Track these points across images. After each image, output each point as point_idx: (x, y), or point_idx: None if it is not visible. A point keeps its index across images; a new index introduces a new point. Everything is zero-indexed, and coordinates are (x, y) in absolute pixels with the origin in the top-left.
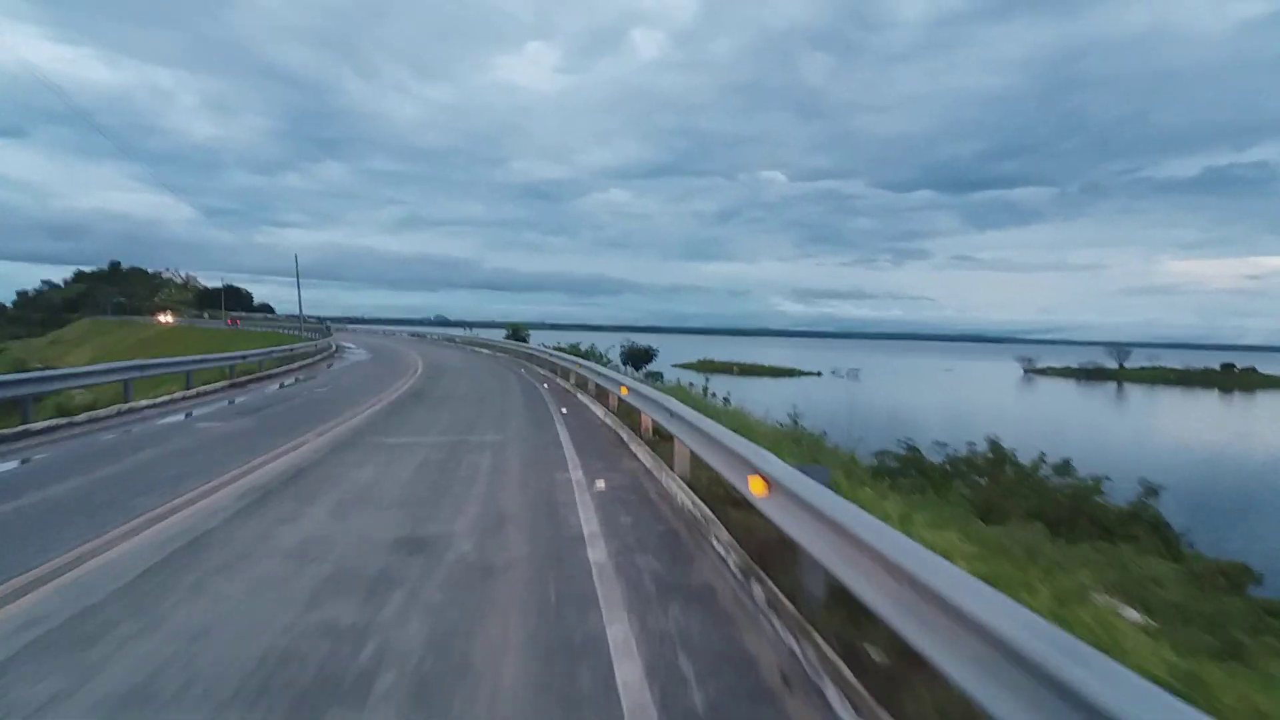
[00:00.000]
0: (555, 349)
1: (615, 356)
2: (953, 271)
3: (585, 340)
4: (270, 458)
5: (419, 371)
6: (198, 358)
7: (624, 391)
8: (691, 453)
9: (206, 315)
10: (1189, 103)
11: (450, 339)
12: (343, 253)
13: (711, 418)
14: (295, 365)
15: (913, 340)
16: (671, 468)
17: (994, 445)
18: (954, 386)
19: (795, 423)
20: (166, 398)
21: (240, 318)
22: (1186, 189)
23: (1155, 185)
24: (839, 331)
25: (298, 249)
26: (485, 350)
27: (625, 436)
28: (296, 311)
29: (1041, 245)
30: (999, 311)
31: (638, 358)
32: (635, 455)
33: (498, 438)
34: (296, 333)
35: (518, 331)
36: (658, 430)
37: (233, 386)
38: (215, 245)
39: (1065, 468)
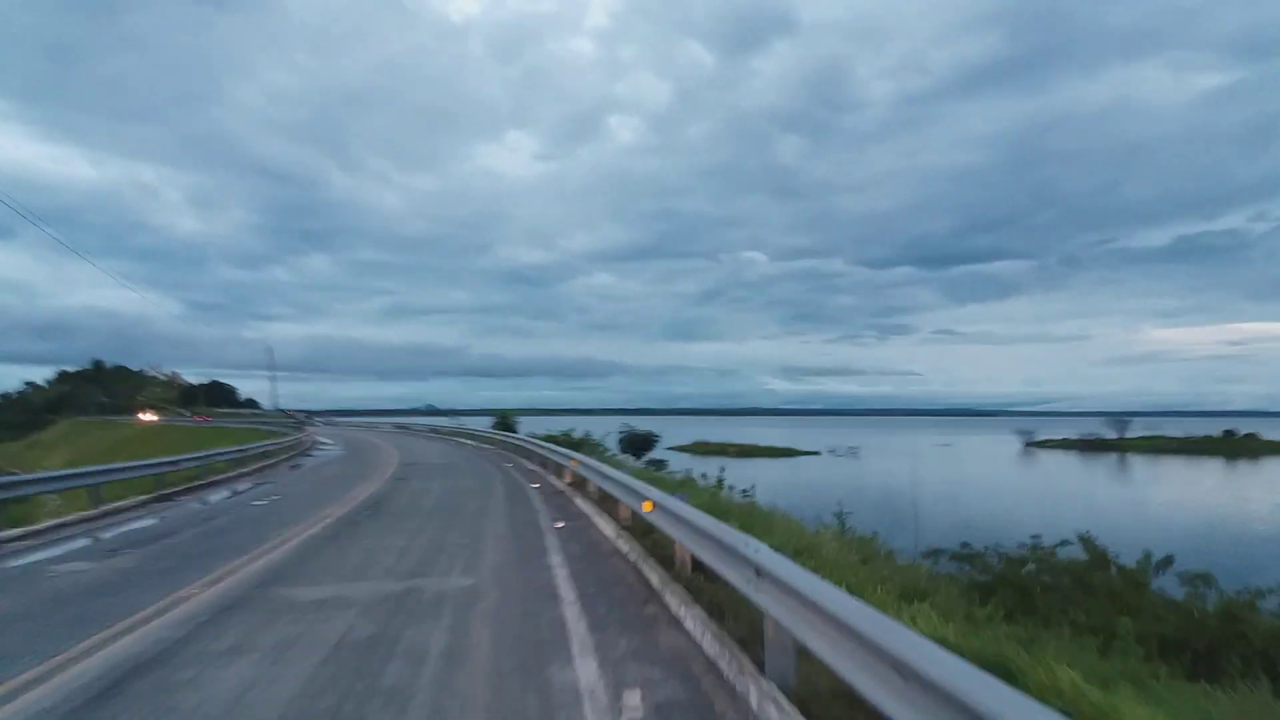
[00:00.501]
0: (545, 439)
1: (613, 444)
2: (936, 346)
3: (578, 426)
4: (90, 646)
5: (389, 472)
6: (106, 467)
7: (648, 508)
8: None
9: (189, 414)
10: (1157, 174)
11: (435, 430)
12: (330, 345)
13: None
14: (250, 468)
15: (903, 416)
16: (755, 658)
17: (1086, 541)
18: (957, 464)
19: (842, 525)
20: (51, 522)
21: (211, 415)
22: (1161, 258)
23: (1130, 255)
24: (829, 409)
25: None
26: (470, 442)
27: (655, 579)
28: (282, 407)
29: (1023, 318)
30: (986, 385)
31: (638, 444)
32: (678, 619)
33: (465, 583)
34: (272, 429)
35: (505, 419)
36: (700, 567)
37: (159, 499)
38: (202, 340)
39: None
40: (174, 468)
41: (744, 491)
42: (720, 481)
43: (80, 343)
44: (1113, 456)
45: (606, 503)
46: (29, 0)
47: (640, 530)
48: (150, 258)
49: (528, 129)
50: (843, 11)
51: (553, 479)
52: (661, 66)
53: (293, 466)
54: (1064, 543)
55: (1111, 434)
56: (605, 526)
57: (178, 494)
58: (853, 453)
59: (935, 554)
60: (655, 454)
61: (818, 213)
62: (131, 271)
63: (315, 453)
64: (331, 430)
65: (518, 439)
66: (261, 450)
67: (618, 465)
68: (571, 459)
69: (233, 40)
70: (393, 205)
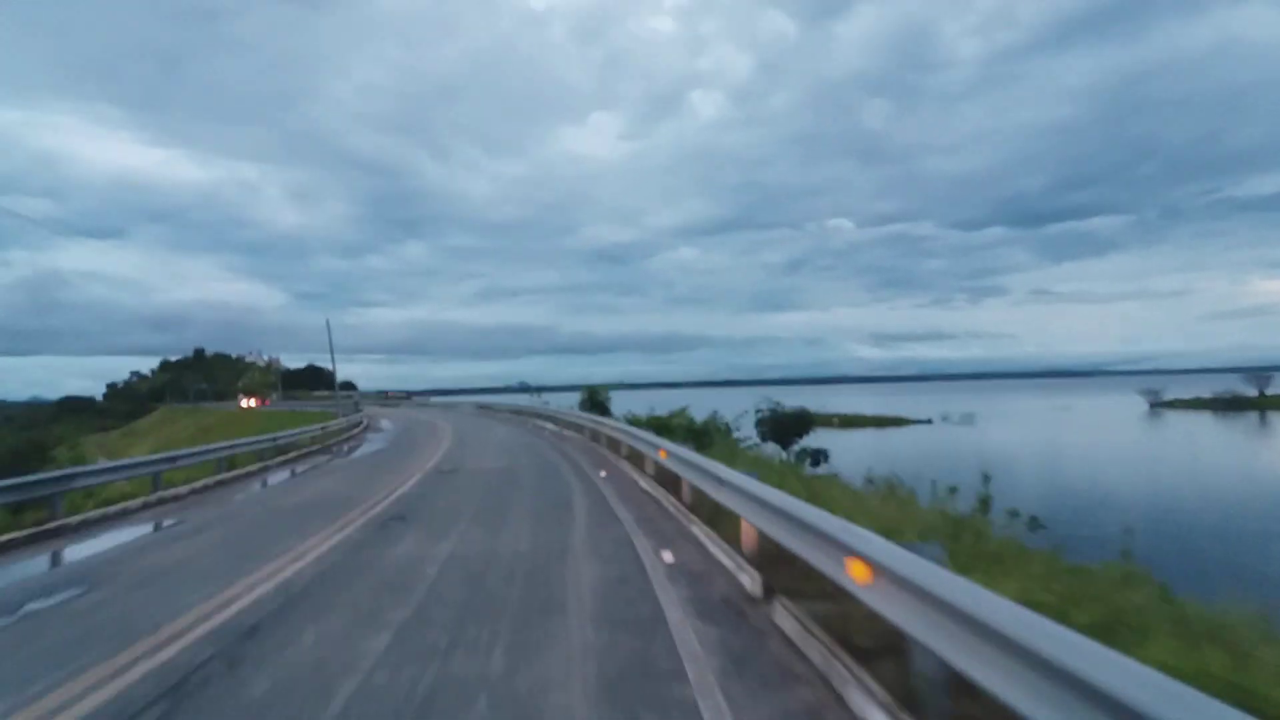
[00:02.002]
0: (647, 422)
1: (749, 429)
2: (1031, 307)
3: (671, 401)
4: None
5: (428, 467)
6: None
7: None
8: None
9: (276, 397)
10: (1263, 118)
11: (518, 409)
12: (427, 328)
13: None
14: (278, 459)
15: (997, 379)
16: None
17: None
18: (1086, 429)
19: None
20: None
21: (293, 397)
22: (1270, 206)
23: (1236, 205)
24: (920, 374)
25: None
26: (550, 425)
27: None
28: (383, 388)
29: (1121, 275)
30: (1082, 344)
31: (784, 429)
32: None
33: None
34: (332, 410)
35: (595, 395)
36: None
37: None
38: (307, 328)
39: None
40: (173, 465)
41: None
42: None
43: (194, 334)
44: (1253, 416)
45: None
46: (136, 12)
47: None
48: (255, 251)
49: (611, 110)
50: None
51: (666, 502)
52: (742, 39)
53: (331, 459)
54: None
55: (1250, 390)
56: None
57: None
58: (968, 420)
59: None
60: (811, 439)
61: (905, 176)
62: (237, 265)
63: (365, 441)
64: (407, 413)
65: (612, 425)
66: (293, 440)
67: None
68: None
69: (326, 39)
70: (482, 191)
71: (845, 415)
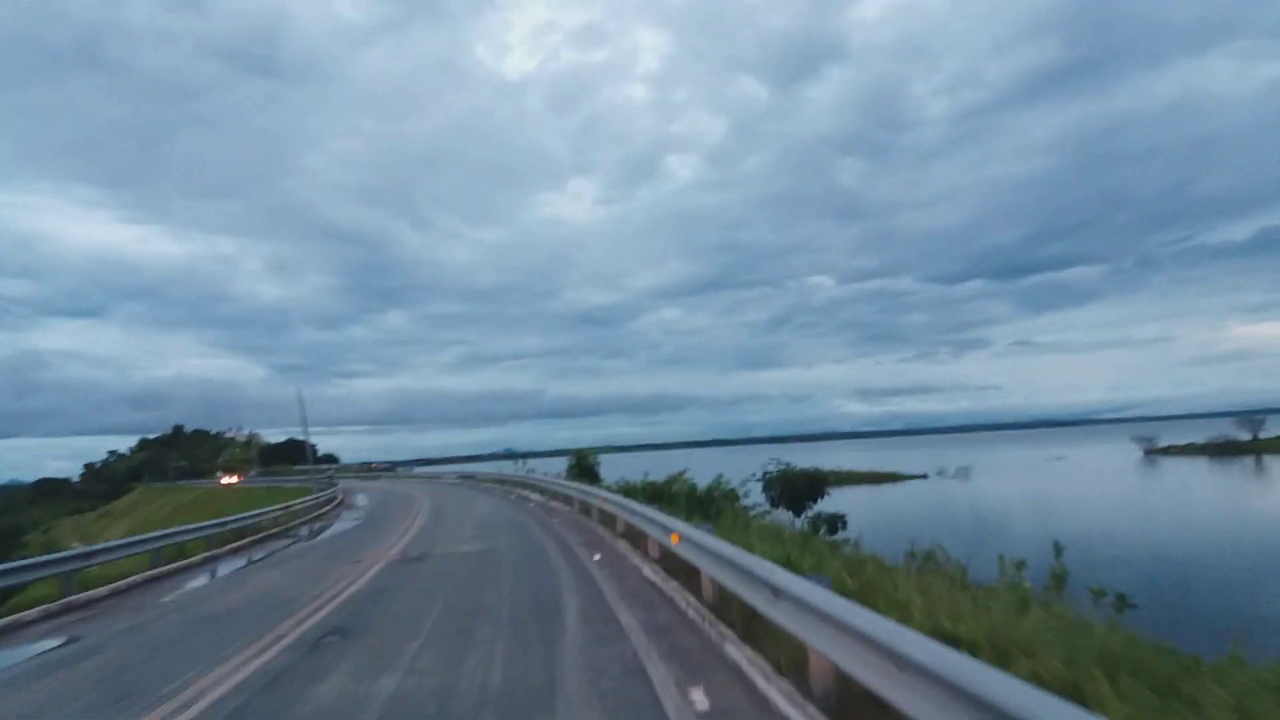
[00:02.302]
0: (642, 490)
1: (756, 493)
2: (1014, 358)
3: (661, 463)
4: None
5: (393, 553)
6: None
7: None
8: None
9: (253, 473)
10: (1231, 166)
11: (502, 478)
12: (410, 397)
13: None
14: (229, 547)
15: (985, 431)
16: None
17: None
18: (1085, 480)
19: None
20: None
21: (270, 472)
22: (1243, 252)
23: (1210, 251)
24: (907, 428)
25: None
26: (536, 496)
27: None
28: (365, 460)
29: (1101, 324)
30: (1067, 394)
31: (796, 491)
32: None
33: None
34: (308, 485)
35: (583, 460)
36: None
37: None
38: (289, 401)
39: None
40: (86, 563)
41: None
42: None
43: (175, 411)
44: (1248, 461)
45: None
46: (113, 92)
47: None
48: (234, 325)
49: (588, 175)
50: (893, 33)
51: (681, 603)
52: (715, 103)
53: (286, 545)
54: None
55: (1244, 434)
56: None
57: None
58: (963, 474)
59: None
60: (825, 504)
61: (882, 232)
62: (217, 340)
63: (333, 522)
64: (386, 486)
65: (604, 496)
66: (249, 522)
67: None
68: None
69: (301, 112)
70: (463, 259)
71: (838, 472)
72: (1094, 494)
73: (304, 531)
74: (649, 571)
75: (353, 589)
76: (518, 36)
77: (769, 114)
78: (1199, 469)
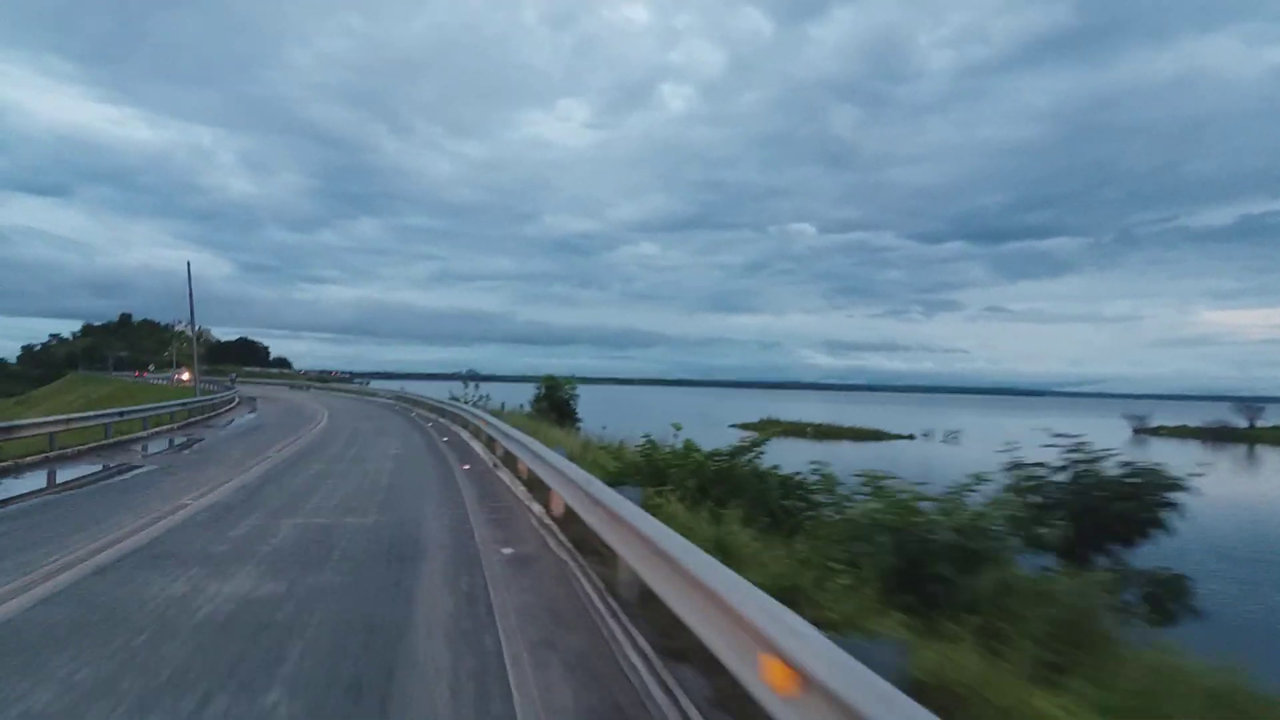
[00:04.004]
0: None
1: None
2: (984, 323)
3: (625, 399)
4: None
5: None
6: None
7: None
8: None
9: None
10: (1223, 150)
11: (440, 407)
12: (377, 308)
13: None
14: None
15: (947, 393)
16: None
17: None
18: None
19: None
20: None
21: (151, 370)
22: (1222, 237)
23: (1190, 234)
24: (871, 384)
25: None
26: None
27: None
28: (327, 368)
29: (1074, 296)
30: (1030, 364)
31: None
32: None
33: None
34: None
35: (554, 390)
36: None
37: None
38: (256, 301)
39: None
40: None
41: None
42: None
43: (138, 300)
44: (1241, 449)
45: None
46: None
47: None
48: (204, 219)
49: (578, 97)
50: None
51: None
52: (717, 34)
53: None
54: None
55: (1241, 421)
56: None
57: None
58: (953, 438)
59: None
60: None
61: (869, 185)
62: (184, 232)
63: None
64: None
65: (590, 490)
66: None
67: None
68: None
69: (289, 4)
70: (442, 171)
71: (819, 426)
72: None
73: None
74: None
75: None
76: None
77: (770, 50)
78: (1199, 453)
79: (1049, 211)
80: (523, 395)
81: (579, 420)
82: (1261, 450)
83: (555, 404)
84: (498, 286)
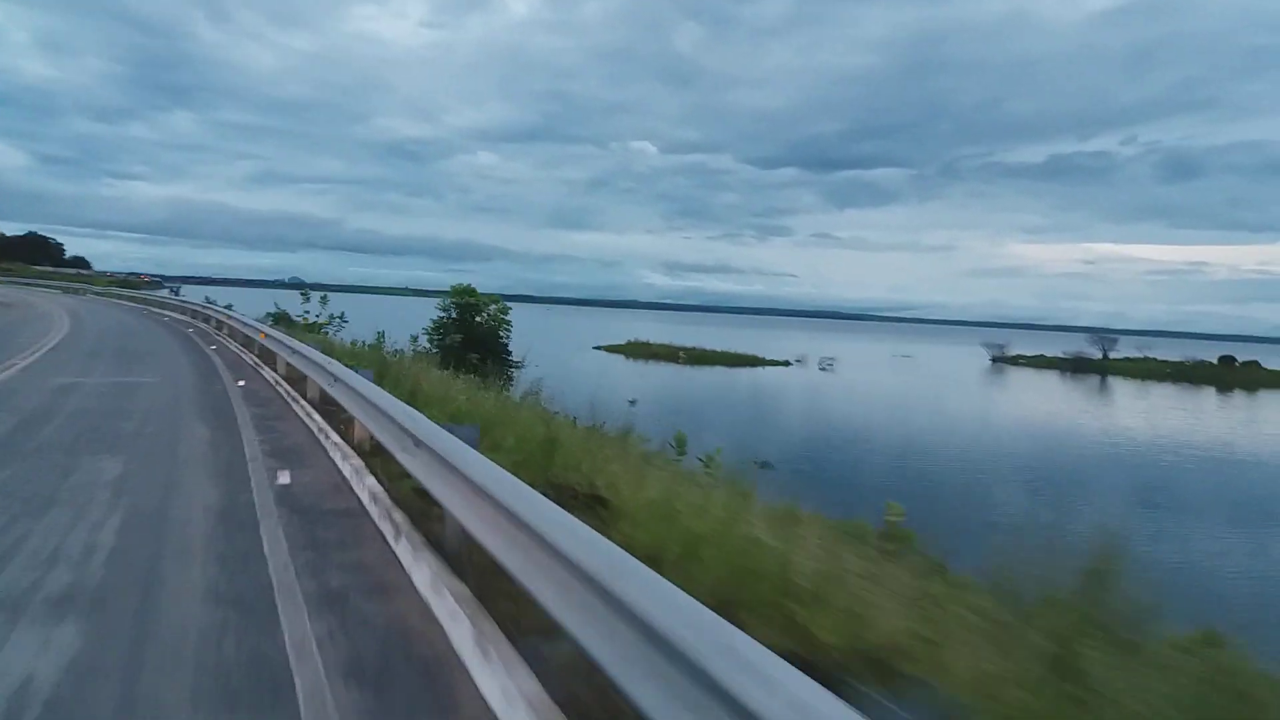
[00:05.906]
0: None
1: None
2: (813, 249)
3: None
4: None
5: None
6: None
7: None
8: None
9: None
10: (1041, 91)
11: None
12: (193, 208)
13: None
14: None
15: (778, 315)
16: None
17: None
18: (959, 383)
19: None
20: None
21: None
22: (1034, 175)
23: (1006, 170)
24: (705, 305)
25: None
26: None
27: None
28: (136, 271)
29: (897, 226)
30: (854, 289)
31: None
32: None
33: None
34: None
35: (471, 312)
36: None
37: None
38: (54, 196)
39: None
40: None
41: None
42: None
43: None
44: (1095, 379)
45: None
46: None
47: None
48: None
49: None
50: None
51: None
52: None
53: None
54: None
55: (1095, 353)
56: None
57: None
58: (829, 365)
59: None
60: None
61: (710, 107)
62: None
63: None
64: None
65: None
66: None
67: None
68: None
69: None
70: (265, 64)
71: (690, 350)
72: (996, 404)
73: None
74: None
75: None
76: None
77: None
78: (1061, 382)
79: (880, 142)
80: (364, 310)
81: (516, 364)
82: (1112, 380)
83: (475, 338)
84: (326, 190)
